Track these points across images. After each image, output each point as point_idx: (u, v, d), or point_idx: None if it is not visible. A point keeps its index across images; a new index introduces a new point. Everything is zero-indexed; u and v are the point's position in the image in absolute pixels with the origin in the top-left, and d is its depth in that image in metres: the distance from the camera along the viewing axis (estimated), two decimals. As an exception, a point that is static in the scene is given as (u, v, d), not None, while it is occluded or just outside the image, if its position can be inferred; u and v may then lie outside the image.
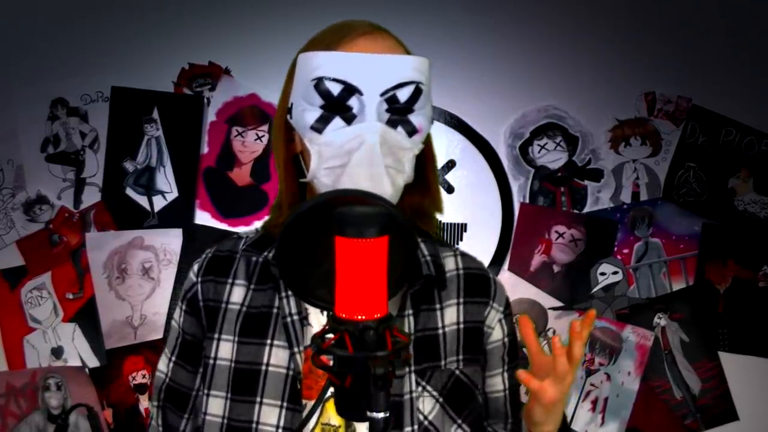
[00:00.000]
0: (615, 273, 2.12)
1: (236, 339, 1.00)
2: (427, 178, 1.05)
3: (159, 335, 2.13)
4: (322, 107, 0.93)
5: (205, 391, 1.00)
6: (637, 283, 2.12)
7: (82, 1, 2.14)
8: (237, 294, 1.02)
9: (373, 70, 0.92)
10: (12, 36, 2.13)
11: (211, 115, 2.15)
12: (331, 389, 0.73)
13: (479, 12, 2.13)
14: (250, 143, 2.15)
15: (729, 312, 2.10)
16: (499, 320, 1.07)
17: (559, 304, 2.12)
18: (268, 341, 0.98)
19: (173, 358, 1.07)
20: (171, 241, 2.14)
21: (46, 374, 2.11)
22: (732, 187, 2.12)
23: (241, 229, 2.12)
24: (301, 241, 0.78)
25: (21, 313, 2.13)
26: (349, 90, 0.91)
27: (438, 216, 1.09)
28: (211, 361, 1.00)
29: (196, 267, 1.06)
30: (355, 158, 0.91)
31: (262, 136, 2.15)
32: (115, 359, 2.12)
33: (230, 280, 1.03)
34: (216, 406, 0.99)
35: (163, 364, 1.09)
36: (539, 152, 2.15)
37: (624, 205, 2.14)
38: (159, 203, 2.16)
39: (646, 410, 2.08)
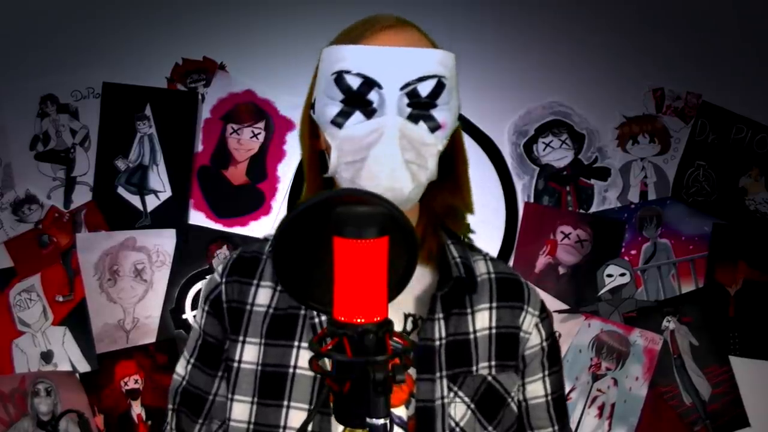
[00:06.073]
0: (622, 275, 2.10)
1: (263, 341, 0.99)
2: (457, 177, 1.05)
3: (152, 339, 2.11)
4: (342, 102, 0.93)
5: (230, 396, 0.99)
6: (645, 285, 2.10)
7: (72, -5, 2.13)
8: (263, 296, 1.01)
9: (392, 63, 0.91)
10: (0, 31, 2.11)
11: (205, 112, 2.14)
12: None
13: (482, 8, 2.11)
14: (246, 141, 2.13)
15: (740, 315, 2.07)
16: (536, 324, 1.06)
17: (564, 306, 2.10)
18: (296, 343, 0.98)
19: (191, 360, 1.07)
20: (164, 241, 2.12)
21: (35, 379, 2.08)
22: (743, 186, 2.10)
23: (236, 230, 2.12)
24: (299, 242, 0.76)
25: (9, 316, 2.11)
26: (369, 84, 0.91)
27: (469, 217, 1.09)
28: (236, 365, 0.99)
29: (220, 268, 1.06)
30: (373, 152, 0.90)
31: (258, 133, 2.13)
32: (107, 364, 2.10)
33: (255, 282, 1.03)
34: (241, 410, 0.97)
35: (180, 367, 1.08)
36: (544, 150, 2.13)
37: (632, 205, 2.11)
38: (152, 203, 2.14)
39: (655, 416, 2.06)
